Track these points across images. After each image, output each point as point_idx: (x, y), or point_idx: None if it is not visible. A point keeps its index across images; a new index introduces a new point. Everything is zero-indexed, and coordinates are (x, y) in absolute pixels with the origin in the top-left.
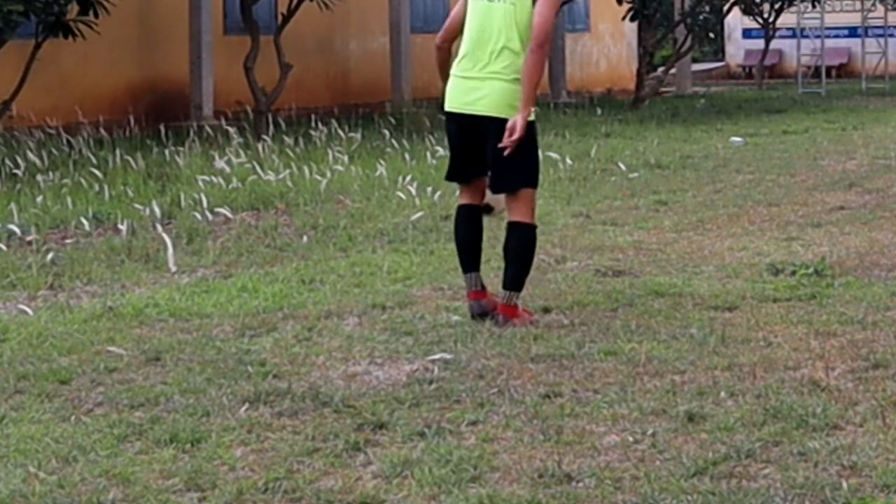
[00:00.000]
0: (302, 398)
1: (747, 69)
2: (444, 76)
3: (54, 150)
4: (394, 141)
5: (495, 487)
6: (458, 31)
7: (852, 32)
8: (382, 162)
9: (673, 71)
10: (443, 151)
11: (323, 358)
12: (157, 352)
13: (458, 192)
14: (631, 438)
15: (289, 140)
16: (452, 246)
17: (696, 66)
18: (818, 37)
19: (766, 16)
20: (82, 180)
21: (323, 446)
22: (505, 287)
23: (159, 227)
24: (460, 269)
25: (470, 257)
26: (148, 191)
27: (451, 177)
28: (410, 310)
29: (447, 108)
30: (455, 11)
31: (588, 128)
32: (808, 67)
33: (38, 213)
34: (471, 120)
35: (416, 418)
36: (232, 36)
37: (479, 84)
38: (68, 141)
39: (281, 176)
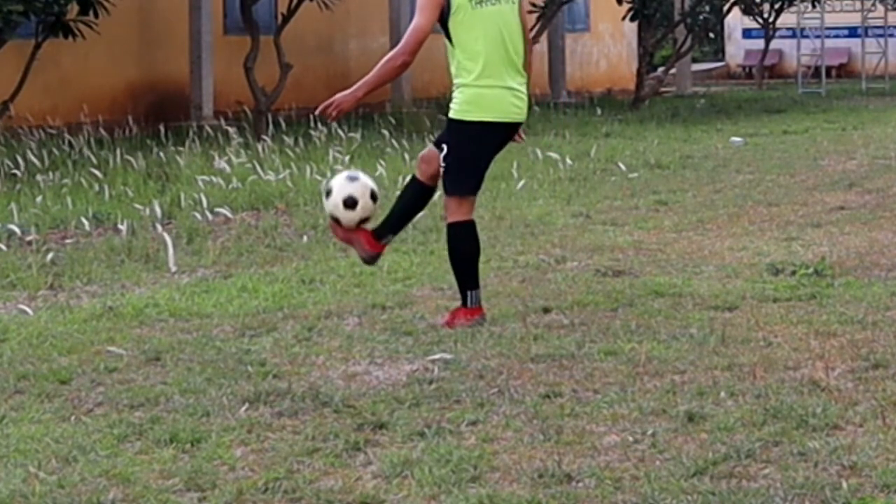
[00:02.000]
0: (302, 398)
1: (747, 69)
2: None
3: (54, 150)
4: (394, 141)
5: (495, 487)
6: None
7: (852, 32)
8: (382, 162)
9: (673, 71)
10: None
11: (323, 358)
12: (157, 352)
13: (446, 207)
14: (631, 438)
15: (289, 140)
16: None
17: (696, 66)
18: (818, 37)
19: (766, 16)
20: (82, 180)
21: (323, 446)
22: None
23: (159, 227)
24: (465, 289)
25: (477, 272)
26: (148, 191)
27: (476, 189)
28: (410, 310)
29: (496, 119)
30: (428, 22)
31: (588, 128)
32: (808, 67)
33: (38, 213)
34: (514, 128)
35: (416, 418)
36: (232, 36)
37: (520, 92)
38: (69, 141)
39: (281, 176)
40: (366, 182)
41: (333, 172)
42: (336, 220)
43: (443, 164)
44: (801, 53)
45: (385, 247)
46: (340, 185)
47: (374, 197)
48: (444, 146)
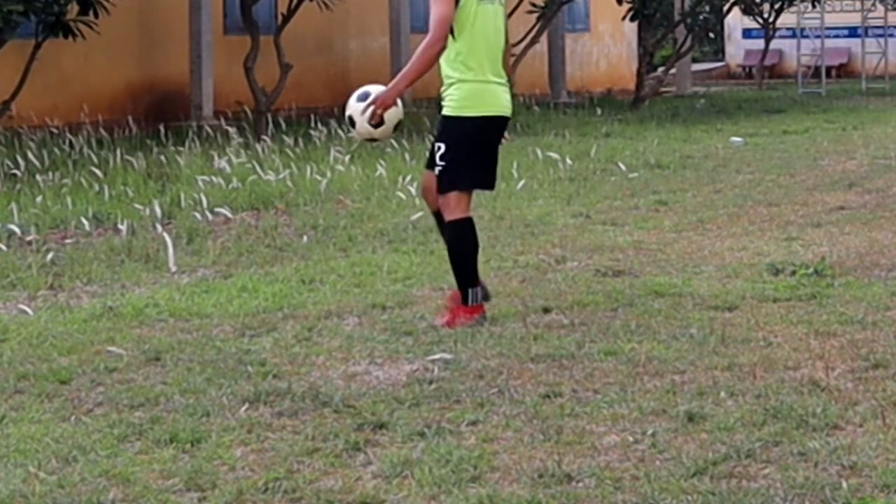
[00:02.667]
0: (302, 398)
1: (747, 69)
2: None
3: (54, 150)
4: (394, 141)
5: (495, 487)
6: None
7: (852, 32)
8: (382, 162)
9: (673, 71)
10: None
11: (323, 358)
12: (157, 352)
13: (451, 203)
14: (631, 438)
15: (289, 140)
16: None
17: (696, 66)
18: (818, 37)
19: (766, 16)
20: (82, 180)
21: (323, 446)
22: None
23: (159, 227)
24: (466, 286)
25: (476, 268)
26: (148, 191)
27: (488, 184)
28: (410, 310)
29: (495, 113)
30: (449, 9)
31: (588, 128)
32: (808, 67)
33: (38, 213)
34: (506, 123)
35: (416, 418)
36: (232, 36)
37: (507, 88)
38: (69, 141)
39: (281, 176)
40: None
41: (333, 172)
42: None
43: (441, 163)
44: (801, 53)
45: (482, 307)
46: (355, 107)
47: (362, 98)
48: (441, 145)
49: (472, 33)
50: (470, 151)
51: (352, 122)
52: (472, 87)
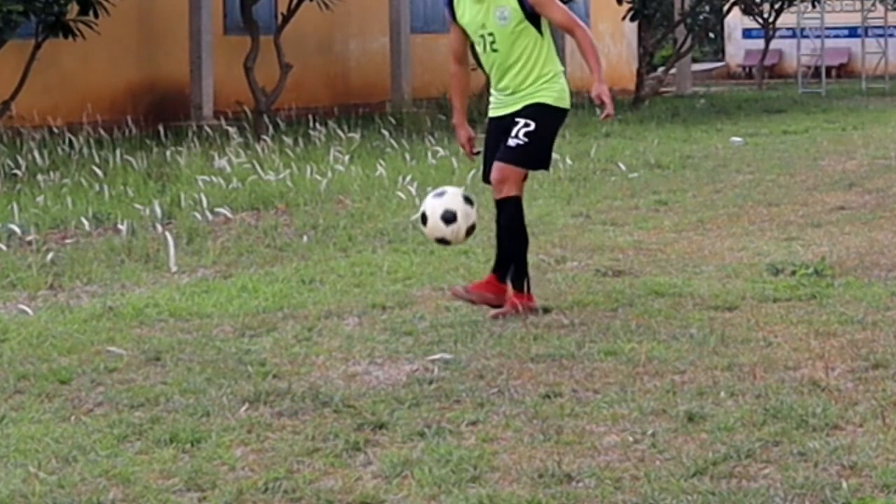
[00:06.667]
0: (302, 398)
1: (747, 69)
2: None
3: (55, 150)
4: (394, 141)
5: (495, 487)
6: None
7: (852, 32)
8: (382, 162)
9: (673, 71)
10: (443, 151)
11: (323, 358)
12: (157, 352)
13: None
14: (631, 438)
15: (289, 140)
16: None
17: (696, 66)
18: (818, 37)
19: (766, 16)
20: (82, 180)
21: (323, 446)
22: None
23: (159, 227)
24: (524, 275)
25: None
26: (148, 191)
27: (548, 165)
28: (410, 310)
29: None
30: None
31: (588, 128)
32: (808, 67)
33: (38, 213)
34: None
35: (416, 418)
36: (232, 36)
37: None
38: (69, 141)
39: (281, 176)
40: (454, 191)
41: (333, 172)
42: (444, 241)
43: (524, 139)
44: (801, 53)
45: (532, 297)
46: (431, 205)
47: (468, 200)
48: (530, 122)
49: (549, 26)
50: (553, 139)
51: (424, 220)
52: (565, 81)
